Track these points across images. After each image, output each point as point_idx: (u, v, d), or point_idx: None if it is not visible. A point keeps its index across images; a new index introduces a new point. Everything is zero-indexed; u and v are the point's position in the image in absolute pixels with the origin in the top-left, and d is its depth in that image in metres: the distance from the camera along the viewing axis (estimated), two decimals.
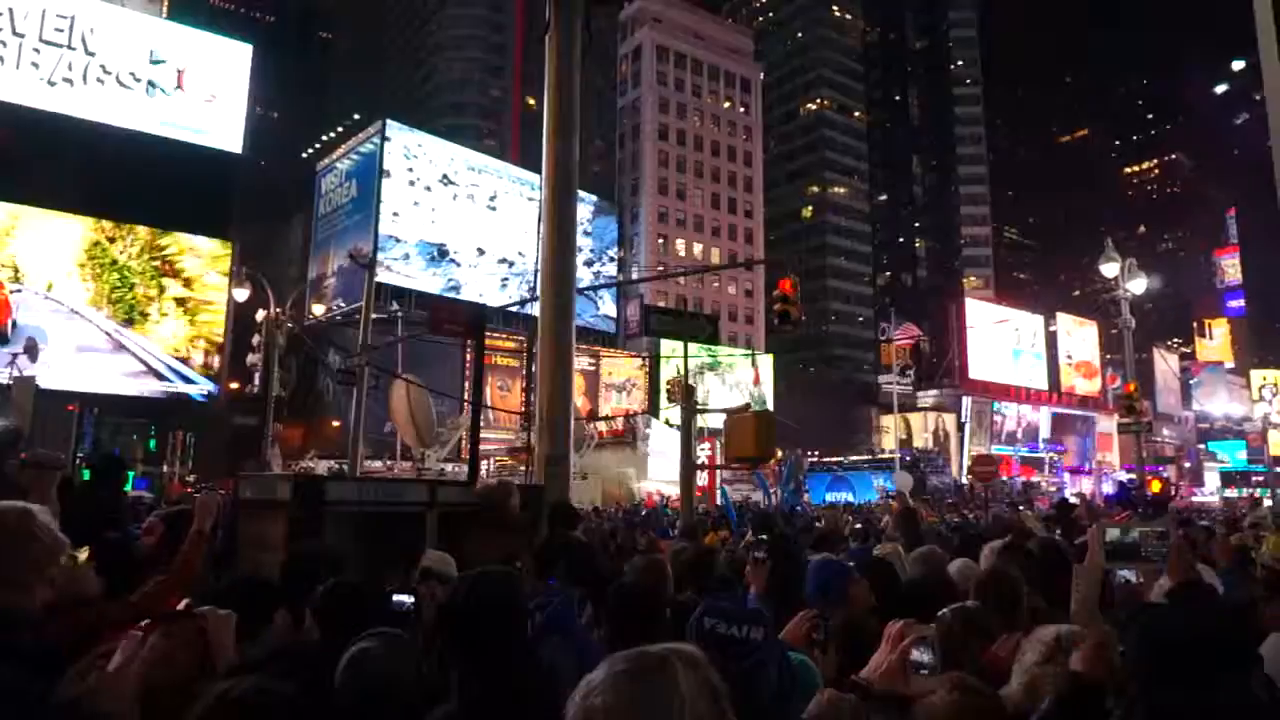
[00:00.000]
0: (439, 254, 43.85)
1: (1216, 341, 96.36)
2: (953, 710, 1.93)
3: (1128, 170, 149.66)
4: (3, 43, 29.82)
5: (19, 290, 29.77)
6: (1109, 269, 20.66)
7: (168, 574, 3.73)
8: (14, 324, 29.21)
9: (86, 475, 8.35)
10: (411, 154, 43.23)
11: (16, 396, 14.64)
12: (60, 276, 31.20)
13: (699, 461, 19.71)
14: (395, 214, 43.02)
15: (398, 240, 43.96)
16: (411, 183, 42.57)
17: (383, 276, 47.08)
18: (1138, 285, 20.87)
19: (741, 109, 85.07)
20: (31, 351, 22.13)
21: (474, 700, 2.08)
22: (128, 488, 9.05)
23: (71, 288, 31.44)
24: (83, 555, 3.10)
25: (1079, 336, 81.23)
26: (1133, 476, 25.51)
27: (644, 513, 25.06)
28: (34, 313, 30.07)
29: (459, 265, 46.41)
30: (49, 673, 1.91)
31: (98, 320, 31.49)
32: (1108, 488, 54.27)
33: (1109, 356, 79.92)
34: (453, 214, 45.84)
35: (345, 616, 2.79)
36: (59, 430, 23.76)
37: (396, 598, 3.07)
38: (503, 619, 2.24)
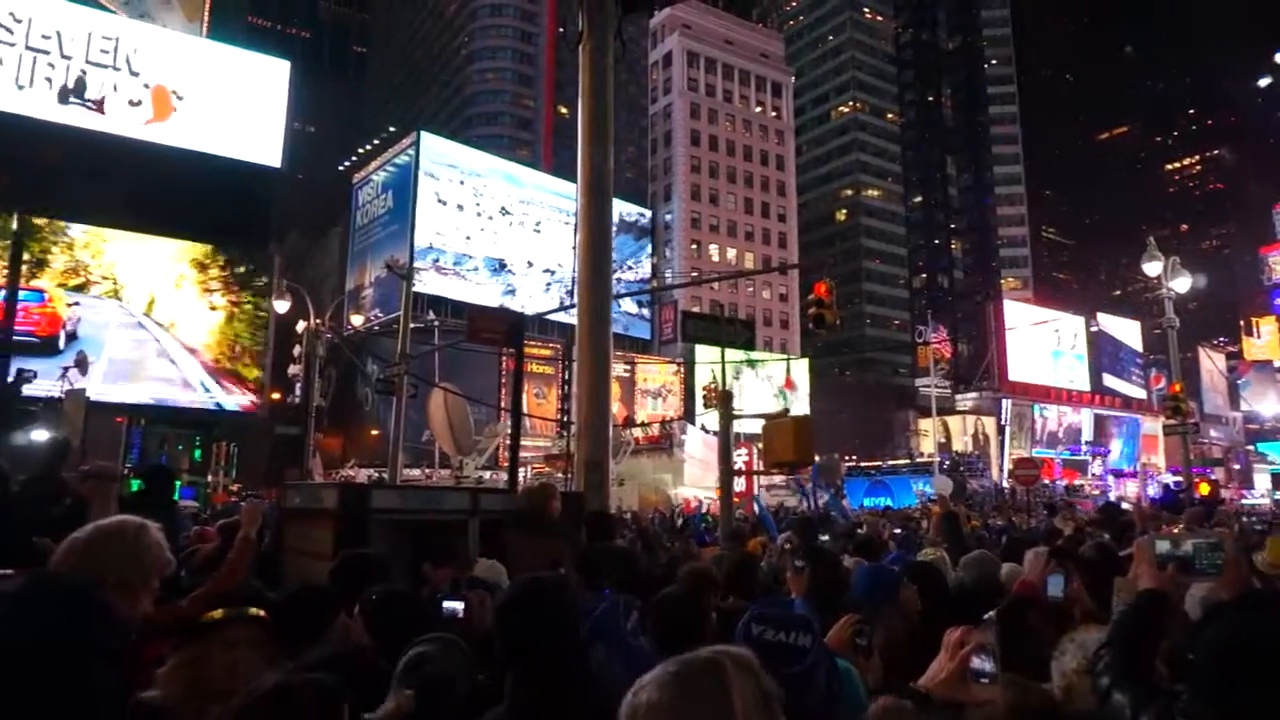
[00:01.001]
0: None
1: (1265, 340, 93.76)
2: (1010, 711, 1.91)
3: (1169, 167, 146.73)
4: (51, 65, 30.65)
5: (76, 304, 30.58)
6: (1152, 268, 20.20)
7: (214, 579, 3.82)
8: (73, 334, 30.02)
9: (135, 486, 8.51)
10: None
11: (68, 409, 14.99)
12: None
13: (736, 467, 19.61)
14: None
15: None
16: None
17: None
18: (1181, 284, 20.41)
19: (773, 113, 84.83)
20: (82, 365, 22.67)
21: (526, 702, 2.10)
22: (175, 497, 9.21)
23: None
24: None
25: (1121, 336, 79.91)
26: (1180, 479, 24.96)
27: (682, 519, 25.02)
28: (97, 323, 31.04)
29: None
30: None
31: (155, 332, 32.34)
32: (1153, 490, 53.12)
33: (1152, 356, 78.35)
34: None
35: (395, 622, 2.83)
36: (108, 441, 24.36)
37: (447, 604, 3.11)
38: (556, 623, 2.25)
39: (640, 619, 3.03)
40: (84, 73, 31.13)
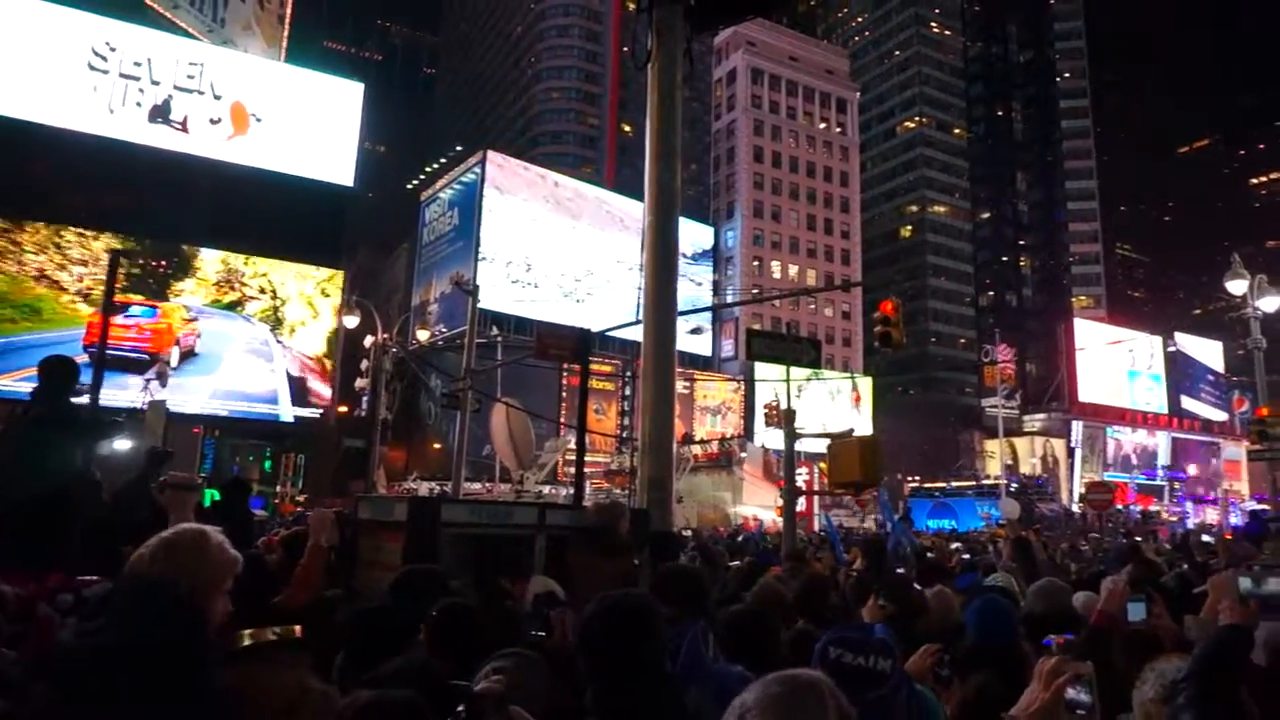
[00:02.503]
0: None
1: None
2: None
3: (1254, 181, 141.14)
4: (140, 90, 32.06)
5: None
6: (1236, 286, 19.40)
7: (290, 590, 3.90)
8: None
9: (211, 496, 8.74)
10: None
11: (149, 419, 15.52)
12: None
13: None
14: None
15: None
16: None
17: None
18: (1269, 303, 19.54)
19: (838, 129, 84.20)
20: (162, 377, 23.49)
21: (610, 717, 2.08)
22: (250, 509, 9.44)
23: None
24: None
25: (1201, 357, 77.05)
26: (1266, 506, 23.81)
27: (741, 537, 24.81)
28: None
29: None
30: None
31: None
32: (1235, 518, 50.81)
33: (1235, 378, 75.26)
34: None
35: (456, 638, 2.80)
36: (185, 452, 25.17)
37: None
38: (641, 640, 2.24)
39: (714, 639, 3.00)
40: (170, 97, 32.47)
